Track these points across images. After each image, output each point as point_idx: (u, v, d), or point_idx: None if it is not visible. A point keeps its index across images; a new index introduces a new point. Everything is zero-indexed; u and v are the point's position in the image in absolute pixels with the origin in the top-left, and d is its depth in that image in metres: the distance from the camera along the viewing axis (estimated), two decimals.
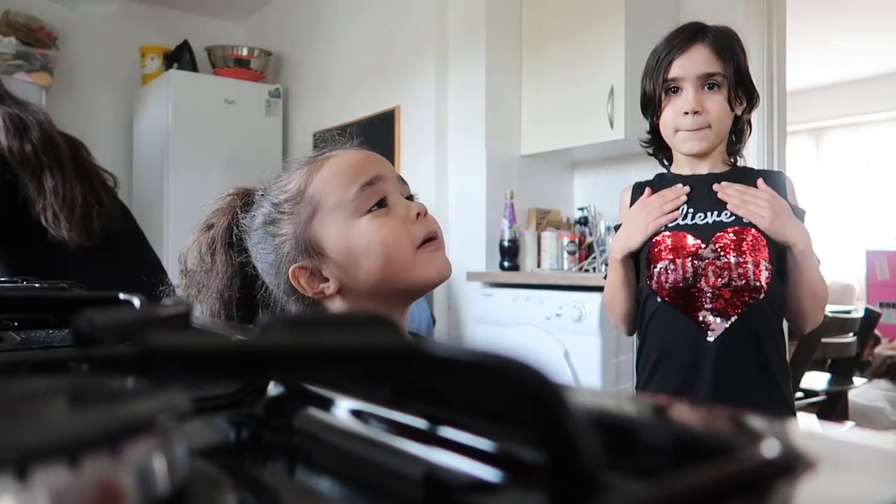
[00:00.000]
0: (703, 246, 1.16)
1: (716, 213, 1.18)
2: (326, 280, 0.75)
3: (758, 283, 1.13)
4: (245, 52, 3.92)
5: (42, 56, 3.55)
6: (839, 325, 2.60)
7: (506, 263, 2.63)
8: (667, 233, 1.19)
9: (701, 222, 1.18)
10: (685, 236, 1.18)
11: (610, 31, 2.35)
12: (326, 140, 0.83)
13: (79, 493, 0.18)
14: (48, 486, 0.17)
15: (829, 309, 2.68)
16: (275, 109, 3.87)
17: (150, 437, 0.20)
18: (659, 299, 1.19)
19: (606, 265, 1.34)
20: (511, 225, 2.62)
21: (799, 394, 2.58)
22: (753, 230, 1.15)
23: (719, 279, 1.14)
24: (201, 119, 3.59)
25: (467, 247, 2.80)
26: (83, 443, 0.18)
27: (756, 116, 2.21)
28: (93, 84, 3.94)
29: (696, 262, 1.15)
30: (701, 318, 1.15)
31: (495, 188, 2.73)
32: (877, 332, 3.23)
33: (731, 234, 1.15)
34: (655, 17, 2.29)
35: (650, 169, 1.41)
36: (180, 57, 3.85)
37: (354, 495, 0.26)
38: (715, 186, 1.18)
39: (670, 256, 1.17)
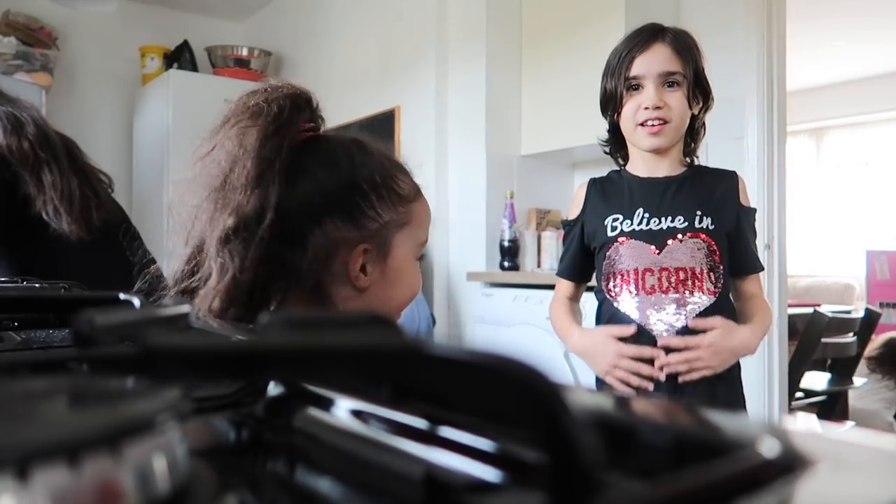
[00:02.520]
0: (658, 252, 1.19)
1: (669, 217, 1.20)
2: (366, 275, 0.77)
3: (710, 287, 1.18)
4: (245, 52, 3.92)
5: (42, 56, 3.55)
6: (839, 325, 2.60)
7: (506, 263, 2.63)
8: (622, 239, 1.22)
9: (655, 228, 1.21)
10: (640, 244, 1.20)
11: (610, 31, 2.35)
12: (405, 165, 0.85)
13: (79, 493, 0.18)
14: (48, 486, 0.17)
15: (829, 309, 2.69)
16: None
17: (150, 437, 0.20)
18: (615, 305, 1.23)
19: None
20: (511, 225, 2.62)
21: (799, 394, 2.58)
22: (704, 235, 1.19)
23: (672, 286, 1.17)
24: (201, 119, 3.56)
25: (467, 247, 2.80)
26: (83, 443, 0.18)
27: (756, 116, 2.22)
28: (93, 84, 3.94)
29: (651, 269, 1.19)
30: (655, 324, 1.18)
31: (495, 188, 2.73)
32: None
33: (683, 240, 1.19)
34: (655, 17, 2.28)
35: None
36: (180, 57, 3.85)
37: (354, 495, 0.26)
38: (658, 361, 1.15)
39: (627, 267, 1.21)
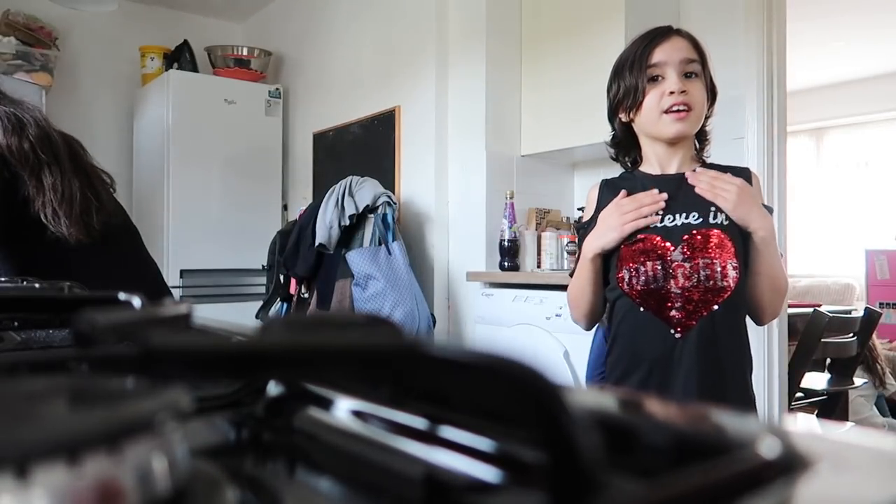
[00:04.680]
0: (673, 248, 1.18)
1: (684, 214, 1.20)
2: None
3: (725, 283, 1.17)
4: (245, 52, 3.92)
5: (42, 56, 3.55)
6: (839, 325, 2.60)
7: (506, 263, 2.63)
8: (638, 235, 1.22)
9: (670, 224, 1.20)
10: (655, 238, 1.20)
11: (610, 31, 2.35)
12: None
13: (79, 493, 0.18)
14: (48, 486, 0.17)
15: (829, 309, 2.69)
16: (275, 109, 3.87)
17: (150, 437, 0.20)
18: (630, 300, 1.22)
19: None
20: (511, 225, 2.62)
21: (799, 394, 2.58)
22: (718, 230, 1.18)
23: (688, 281, 1.17)
24: (201, 119, 3.60)
25: (467, 247, 2.80)
26: (83, 443, 0.18)
27: (756, 116, 2.22)
28: (93, 84, 3.94)
29: (665, 264, 1.18)
30: (671, 318, 1.18)
31: (495, 188, 2.73)
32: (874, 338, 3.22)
33: (699, 236, 1.18)
34: (655, 18, 2.29)
35: None
36: (180, 57, 3.85)
37: (354, 495, 0.26)
38: (688, 174, 1.20)
39: (641, 259, 1.20)
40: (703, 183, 1.18)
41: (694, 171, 1.23)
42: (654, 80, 1.22)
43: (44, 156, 1.32)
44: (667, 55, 1.22)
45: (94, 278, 1.19)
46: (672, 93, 1.19)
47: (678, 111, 1.20)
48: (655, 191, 1.21)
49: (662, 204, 1.19)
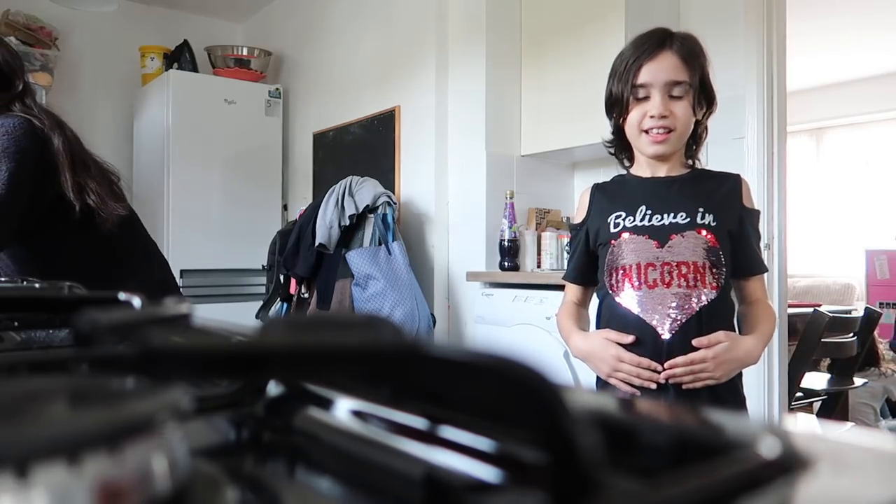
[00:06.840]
0: (659, 247, 1.20)
1: (671, 215, 1.21)
2: None
3: (712, 282, 1.18)
4: (245, 52, 3.92)
5: (42, 56, 3.55)
6: (839, 325, 2.60)
7: (506, 263, 2.63)
8: (625, 234, 1.23)
9: (658, 223, 1.22)
10: (642, 239, 1.21)
11: (610, 31, 2.35)
12: None
13: (79, 492, 0.18)
14: (48, 486, 0.17)
15: (829, 309, 2.69)
16: (275, 109, 3.87)
17: (150, 437, 0.20)
18: (616, 300, 1.23)
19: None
20: (511, 225, 2.62)
21: (799, 394, 2.58)
22: (705, 231, 1.19)
23: (674, 281, 1.18)
24: (201, 119, 3.59)
25: (467, 247, 2.80)
26: (83, 442, 0.18)
27: (756, 116, 2.22)
28: (93, 84, 3.94)
29: (653, 264, 1.20)
30: (657, 318, 1.19)
31: (495, 188, 2.73)
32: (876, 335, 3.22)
33: (685, 237, 1.20)
34: (655, 18, 2.29)
35: None
36: (180, 57, 3.85)
37: (354, 495, 0.26)
38: (663, 375, 1.16)
39: (629, 261, 1.21)
40: (686, 378, 1.15)
41: (676, 184, 1.24)
42: (640, 98, 1.23)
43: (77, 151, 1.54)
44: (653, 76, 1.21)
45: (95, 273, 1.30)
46: (653, 116, 1.20)
47: (657, 133, 1.21)
48: (658, 367, 1.17)
49: (654, 386, 1.17)
